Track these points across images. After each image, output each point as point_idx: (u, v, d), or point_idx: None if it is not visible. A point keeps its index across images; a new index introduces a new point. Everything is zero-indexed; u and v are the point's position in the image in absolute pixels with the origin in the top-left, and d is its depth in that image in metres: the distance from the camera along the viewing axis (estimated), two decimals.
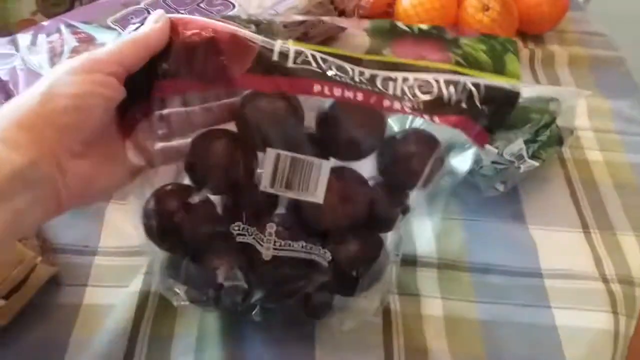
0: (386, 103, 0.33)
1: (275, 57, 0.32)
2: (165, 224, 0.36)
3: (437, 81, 0.34)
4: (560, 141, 0.56)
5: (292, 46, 0.33)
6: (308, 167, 0.34)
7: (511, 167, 0.51)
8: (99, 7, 0.57)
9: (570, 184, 0.56)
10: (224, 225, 0.36)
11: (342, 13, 0.63)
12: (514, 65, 0.35)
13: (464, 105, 0.34)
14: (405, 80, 0.34)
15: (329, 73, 0.33)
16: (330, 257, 0.37)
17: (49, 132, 0.29)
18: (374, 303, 0.42)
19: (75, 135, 0.30)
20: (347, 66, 0.34)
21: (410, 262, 0.48)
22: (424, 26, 0.37)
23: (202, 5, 0.58)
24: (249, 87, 0.33)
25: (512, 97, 0.34)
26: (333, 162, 0.36)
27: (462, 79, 0.34)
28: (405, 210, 0.39)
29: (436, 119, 0.33)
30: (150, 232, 0.36)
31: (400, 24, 0.37)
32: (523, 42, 0.75)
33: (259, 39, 0.33)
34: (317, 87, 0.32)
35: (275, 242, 0.36)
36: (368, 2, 0.66)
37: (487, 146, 0.50)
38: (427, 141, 0.37)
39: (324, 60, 0.33)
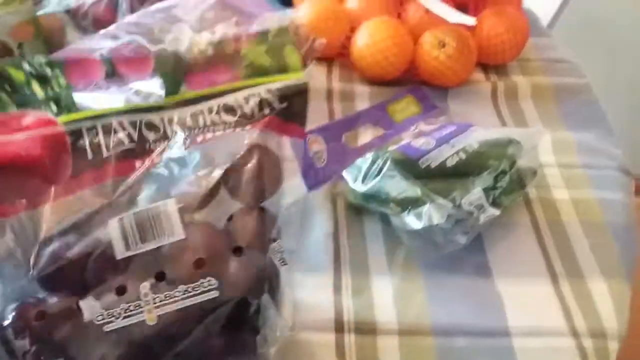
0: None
1: (90, 156, 0.35)
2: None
3: (237, 99, 0.38)
4: (522, 184, 0.53)
5: (99, 124, 0.36)
6: (154, 214, 0.35)
7: (470, 218, 0.48)
8: None
9: (537, 228, 0.54)
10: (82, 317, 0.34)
11: None
12: (293, 57, 0.41)
13: (266, 112, 0.38)
14: (210, 110, 0.38)
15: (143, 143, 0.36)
16: (217, 282, 0.34)
17: None
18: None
19: None
20: (157, 119, 0.37)
21: (369, 331, 0.45)
22: (202, 47, 0.40)
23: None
24: (77, 191, 0.35)
25: (301, 89, 0.39)
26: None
27: (255, 90, 0.38)
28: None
29: (248, 127, 0.38)
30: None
31: (180, 53, 0.40)
32: (485, 75, 0.73)
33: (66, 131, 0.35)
34: (138, 164, 0.36)
35: (154, 299, 0.33)
36: (321, 45, 0.64)
37: (441, 200, 0.48)
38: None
39: (134, 127, 0.36)
